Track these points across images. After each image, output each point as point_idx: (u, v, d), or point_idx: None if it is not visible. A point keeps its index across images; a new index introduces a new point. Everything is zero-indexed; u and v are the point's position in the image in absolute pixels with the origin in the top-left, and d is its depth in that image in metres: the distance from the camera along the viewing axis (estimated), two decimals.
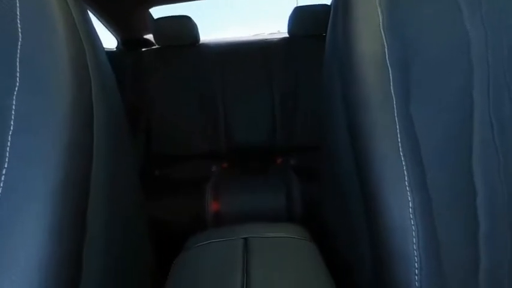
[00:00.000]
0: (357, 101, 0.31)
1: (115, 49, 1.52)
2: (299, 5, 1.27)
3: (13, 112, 0.23)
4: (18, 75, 0.24)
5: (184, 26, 1.27)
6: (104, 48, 0.37)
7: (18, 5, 0.25)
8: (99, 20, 1.33)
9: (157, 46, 1.38)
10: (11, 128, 0.23)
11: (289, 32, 1.31)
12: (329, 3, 1.27)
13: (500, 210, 0.28)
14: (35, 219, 0.22)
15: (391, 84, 0.29)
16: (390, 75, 0.29)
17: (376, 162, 0.29)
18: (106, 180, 0.32)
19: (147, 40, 1.52)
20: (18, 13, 0.25)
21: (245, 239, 0.48)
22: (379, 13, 0.30)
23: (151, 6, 1.41)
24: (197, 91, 1.30)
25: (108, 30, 1.41)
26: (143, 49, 1.45)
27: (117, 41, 1.50)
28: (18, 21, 0.25)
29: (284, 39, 1.33)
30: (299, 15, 1.26)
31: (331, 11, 0.39)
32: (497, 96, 0.29)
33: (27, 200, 0.23)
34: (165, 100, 1.31)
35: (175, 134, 1.30)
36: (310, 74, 1.24)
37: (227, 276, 0.39)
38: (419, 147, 0.28)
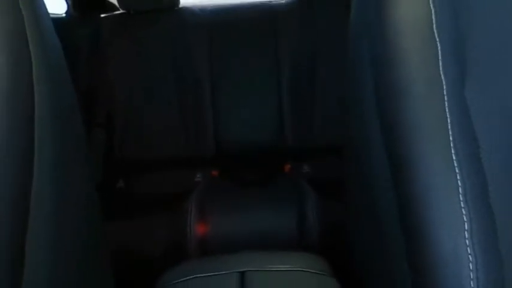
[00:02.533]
0: (392, 85, 0.31)
1: (64, 15, 1.52)
2: None
3: None
4: None
5: None
6: (49, 14, 0.37)
7: None
8: None
9: (121, 11, 1.38)
10: None
11: None
12: None
13: None
14: None
15: (440, 62, 0.29)
16: (439, 50, 0.29)
17: (419, 169, 0.29)
18: (52, 196, 0.32)
19: (108, 3, 1.52)
20: None
21: (241, 273, 0.48)
22: None
23: None
24: (176, 72, 1.30)
25: None
26: (102, 15, 1.45)
27: (67, 4, 1.50)
28: None
29: (294, 2, 1.34)
30: None
31: None
32: None
33: None
34: (131, 84, 1.31)
35: (145, 131, 1.30)
36: (332, 48, 1.24)
37: None
38: (478, 148, 0.28)
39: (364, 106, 0.38)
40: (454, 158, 0.28)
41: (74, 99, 0.39)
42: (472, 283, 0.27)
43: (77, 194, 0.39)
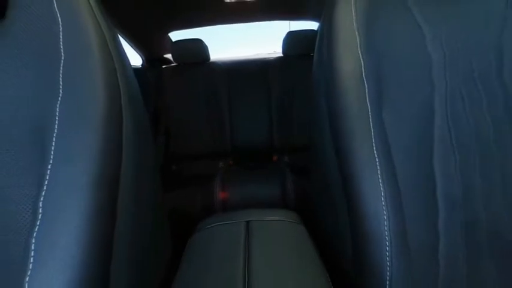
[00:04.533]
0: (339, 110, 0.31)
1: (140, 66, 1.52)
2: (291, 30, 1.28)
3: (57, 118, 0.24)
4: (61, 87, 0.24)
5: (197, 47, 1.28)
6: (131, 66, 0.37)
7: (61, 29, 0.25)
8: (127, 42, 1.33)
9: (175, 64, 1.38)
10: (55, 131, 0.23)
11: (283, 52, 1.31)
12: (316, 29, 1.27)
13: (456, 201, 0.28)
14: (74, 208, 0.23)
15: (367, 96, 0.29)
16: (366, 88, 0.29)
17: (354, 159, 0.29)
18: (133, 175, 0.32)
19: (167, 59, 1.52)
20: (61, 37, 0.25)
21: (247, 222, 0.48)
22: (357, 36, 0.31)
23: (170, 31, 1.41)
24: (207, 101, 1.30)
25: (135, 50, 1.42)
26: (163, 66, 1.45)
27: (142, 59, 1.50)
28: (61, 44, 0.25)
29: (279, 58, 1.33)
30: (291, 39, 1.26)
31: (318, 35, 0.39)
32: (454, 107, 0.29)
33: (68, 192, 0.23)
34: (181, 108, 1.31)
35: (189, 136, 1.30)
36: (302, 87, 1.24)
37: (232, 253, 0.39)
38: (389, 147, 0.28)
39: (321, 122, 0.38)
40: (375, 153, 0.28)
41: (146, 118, 0.39)
42: (386, 232, 0.27)
43: (147, 173, 0.39)
